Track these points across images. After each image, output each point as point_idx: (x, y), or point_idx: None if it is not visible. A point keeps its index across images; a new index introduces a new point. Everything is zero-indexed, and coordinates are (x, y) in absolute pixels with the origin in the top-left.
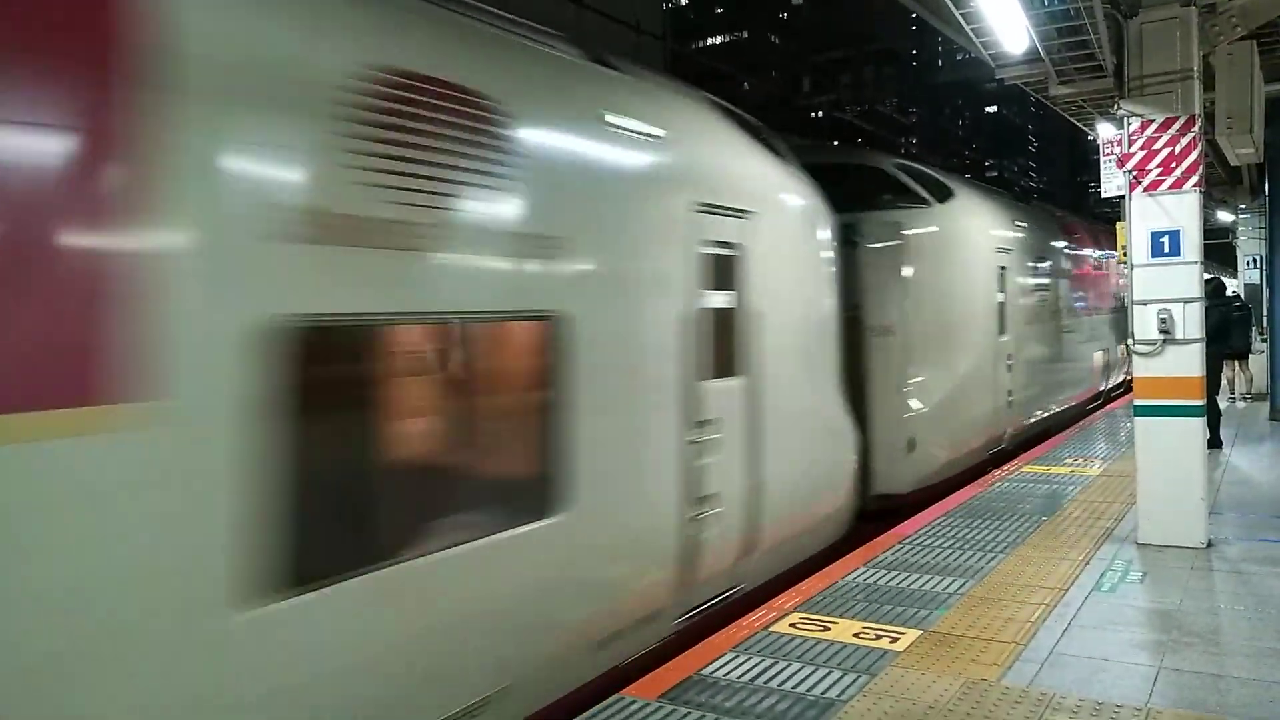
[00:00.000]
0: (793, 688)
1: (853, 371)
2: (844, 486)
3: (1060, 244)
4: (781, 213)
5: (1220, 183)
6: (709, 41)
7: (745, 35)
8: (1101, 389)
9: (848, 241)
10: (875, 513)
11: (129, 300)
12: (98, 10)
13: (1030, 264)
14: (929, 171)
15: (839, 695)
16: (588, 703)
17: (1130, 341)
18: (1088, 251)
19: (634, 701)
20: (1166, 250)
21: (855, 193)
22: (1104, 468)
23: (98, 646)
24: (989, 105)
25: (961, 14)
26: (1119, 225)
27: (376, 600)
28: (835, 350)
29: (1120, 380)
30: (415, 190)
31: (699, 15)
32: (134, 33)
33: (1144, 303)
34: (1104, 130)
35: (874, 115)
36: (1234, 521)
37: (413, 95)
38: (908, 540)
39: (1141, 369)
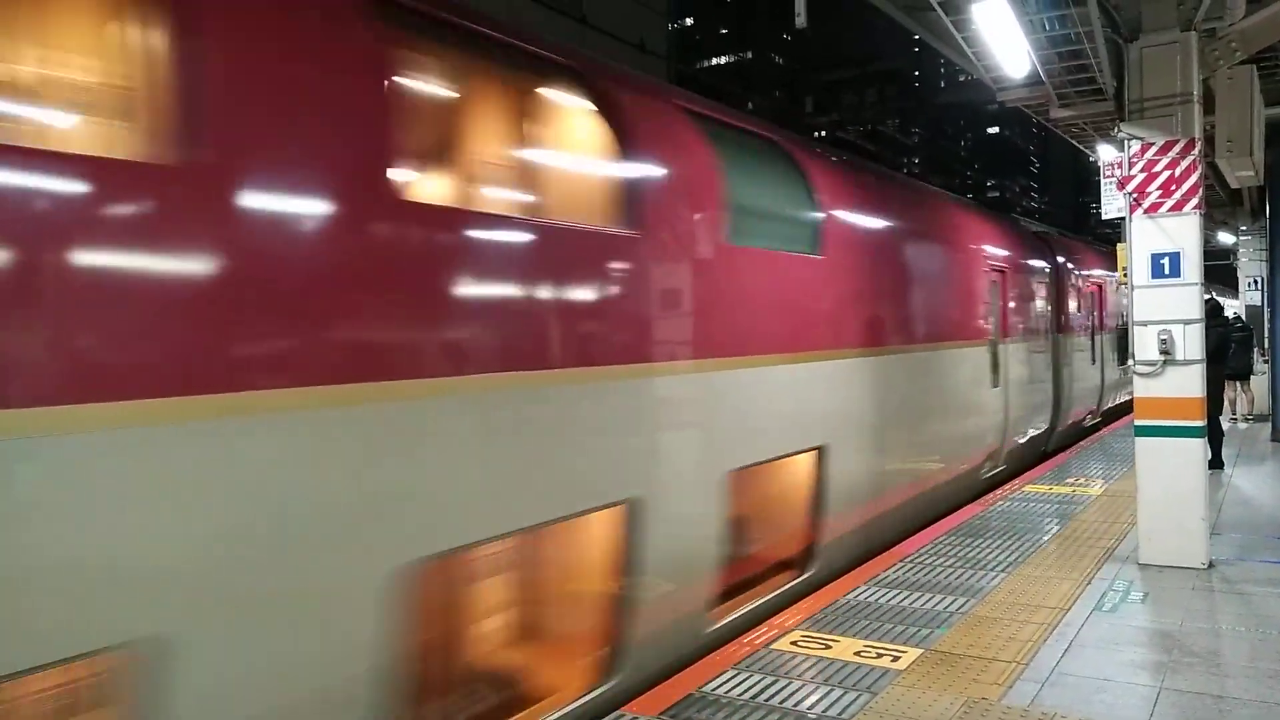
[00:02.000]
0: (794, 705)
1: None
2: None
3: None
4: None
5: (1221, 205)
6: (713, 61)
7: (749, 55)
8: None
9: None
10: None
11: None
12: None
13: None
14: None
15: (840, 714)
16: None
17: (1131, 361)
18: None
19: (635, 719)
20: (1167, 272)
21: None
22: (1105, 487)
23: None
24: (990, 126)
25: (963, 37)
26: (1119, 246)
27: None
28: None
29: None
30: None
31: (704, 35)
32: None
33: (1144, 323)
34: (1105, 152)
35: (876, 135)
36: (1235, 542)
37: None
38: (909, 559)
39: (1142, 389)
